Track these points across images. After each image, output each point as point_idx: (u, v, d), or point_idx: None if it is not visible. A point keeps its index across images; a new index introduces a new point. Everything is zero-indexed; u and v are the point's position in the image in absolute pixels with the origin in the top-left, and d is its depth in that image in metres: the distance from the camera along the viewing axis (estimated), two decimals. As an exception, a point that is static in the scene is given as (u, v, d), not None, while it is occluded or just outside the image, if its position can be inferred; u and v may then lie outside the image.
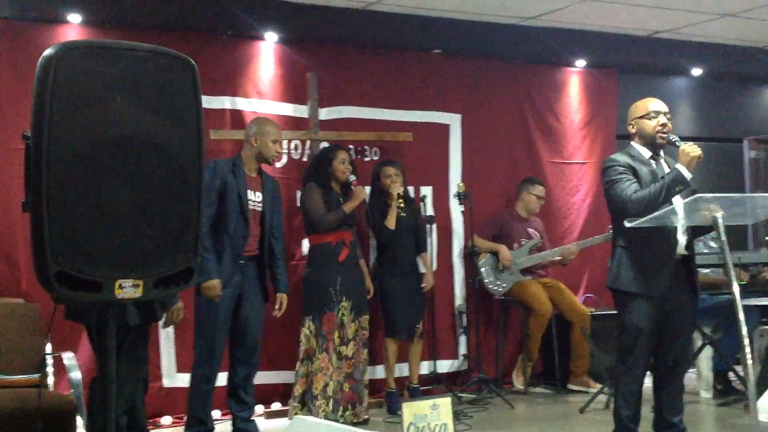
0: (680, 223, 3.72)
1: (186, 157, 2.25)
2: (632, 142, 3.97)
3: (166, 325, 3.80)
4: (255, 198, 4.53)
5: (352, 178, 5.19)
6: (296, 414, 4.87)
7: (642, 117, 3.89)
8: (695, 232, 3.89)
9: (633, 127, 3.95)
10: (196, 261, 2.29)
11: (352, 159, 5.33)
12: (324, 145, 5.88)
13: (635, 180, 3.77)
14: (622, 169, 3.80)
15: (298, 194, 5.73)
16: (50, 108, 2.06)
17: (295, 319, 5.72)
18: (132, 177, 2.17)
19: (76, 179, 2.10)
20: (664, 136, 3.85)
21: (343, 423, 4.69)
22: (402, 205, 5.61)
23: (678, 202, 3.68)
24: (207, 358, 4.37)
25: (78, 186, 2.10)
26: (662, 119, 3.87)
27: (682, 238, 3.82)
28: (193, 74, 2.30)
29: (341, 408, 4.98)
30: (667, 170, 3.83)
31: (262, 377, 5.50)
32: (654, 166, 3.89)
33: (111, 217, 2.14)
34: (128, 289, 2.17)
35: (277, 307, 4.69)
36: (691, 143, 3.73)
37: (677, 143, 3.78)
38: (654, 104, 3.92)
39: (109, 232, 2.14)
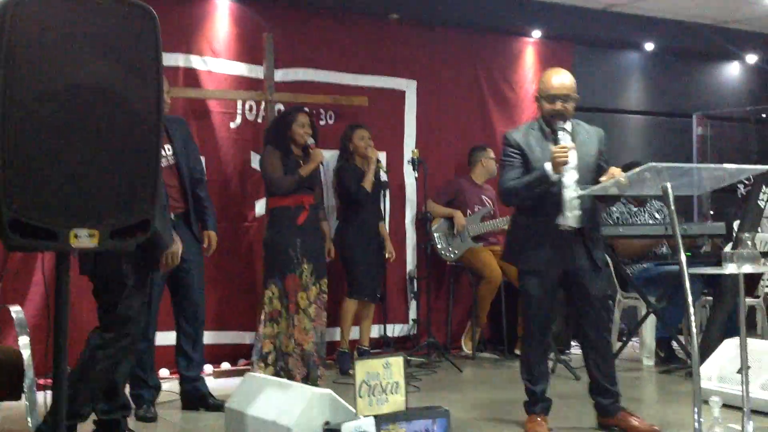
0: (568, 195, 3.76)
1: (145, 108, 2.23)
2: (539, 116, 3.99)
3: (163, 269, 3.69)
4: (164, 152, 4.27)
5: (310, 141, 5.15)
6: (262, 372, 4.86)
7: (543, 97, 3.89)
8: (600, 201, 4.00)
9: (538, 101, 3.96)
10: (153, 213, 2.27)
11: (312, 122, 5.28)
12: (279, 107, 5.85)
13: (518, 166, 3.83)
14: (510, 150, 3.88)
15: (253, 155, 5.70)
16: (7, 56, 2.02)
17: (249, 281, 5.74)
18: (89, 127, 2.14)
19: (32, 128, 2.07)
20: (556, 123, 3.84)
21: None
22: (382, 169, 5.65)
23: (570, 175, 3.76)
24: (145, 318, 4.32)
25: (34, 134, 2.07)
26: (558, 105, 3.84)
27: (571, 212, 3.78)
28: (154, 24, 2.28)
29: (307, 367, 4.98)
30: (568, 142, 3.79)
31: (212, 337, 5.51)
32: (551, 143, 3.80)
33: (67, 166, 2.12)
34: (83, 239, 2.15)
35: (205, 245, 4.56)
36: (563, 146, 3.70)
37: (560, 137, 3.77)
38: (556, 86, 3.86)
39: (64, 181, 2.12)
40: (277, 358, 4.96)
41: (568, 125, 3.86)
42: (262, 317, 5.03)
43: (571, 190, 3.76)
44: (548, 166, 3.70)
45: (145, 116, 2.23)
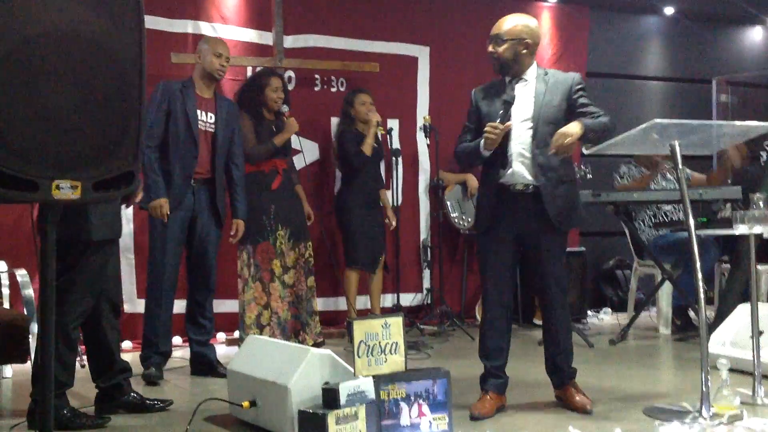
0: (513, 150, 3.51)
1: (126, 57, 2.19)
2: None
3: (126, 205, 3.75)
4: (206, 119, 4.41)
5: (285, 108, 5.01)
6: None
7: (489, 43, 3.65)
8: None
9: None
10: (137, 165, 2.24)
11: (285, 86, 5.15)
12: (290, 74, 5.80)
13: (472, 127, 3.63)
14: (469, 110, 3.69)
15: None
16: (-16, 2, 1.99)
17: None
18: (69, 75, 2.11)
19: (10, 76, 2.04)
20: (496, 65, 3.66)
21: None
22: (383, 132, 5.58)
23: (517, 130, 3.51)
24: (157, 281, 4.33)
25: (13, 83, 2.04)
26: (489, 47, 3.66)
27: (518, 168, 3.51)
28: (135, -28, 2.22)
29: (287, 337, 4.97)
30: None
31: (224, 306, 5.51)
32: (513, 92, 3.56)
33: (48, 116, 2.09)
34: (66, 190, 2.12)
35: (232, 233, 4.61)
36: (495, 125, 3.45)
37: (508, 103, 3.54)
38: (494, 28, 3.65)
39: (46, 131, 2.09)
40: (241, 328, 4.93)
41: (530, 74, 3.59)
42: (240, 284, 4.99)
43: (516, 144, 3.51)
44: (482, 142, 3.48)
45: (126, 67, 2.19)
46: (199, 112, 4.38)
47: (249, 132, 4.90)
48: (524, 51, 3.59)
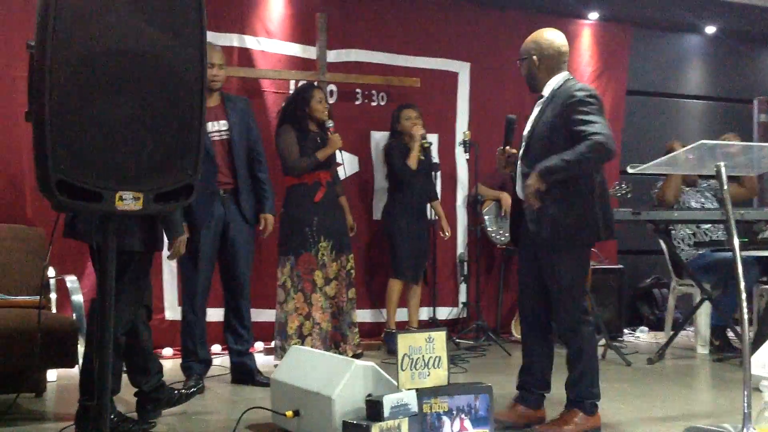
0: (518, 169, 3.57)
1: (188, 73, 2.25)
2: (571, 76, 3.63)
3: (170, 257, 3.77)
4: (218, 127, 4.39)
5: (330, 124, 5.05)
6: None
7: (523, 59, 3.62)
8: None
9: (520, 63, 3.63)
10: (197, 178, 2.30)
11: (326, 98, 5.22)
12: (332, 88, 5.88)
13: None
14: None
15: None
16: (54, 18, 2.07)
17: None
18: (133, 90, 2.18)
19: (78, 89, 2.11)
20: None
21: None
22: (427, 146, 5.64)
23: (523, 146, 3.58)
24: (191, 292, 4.37)
25: (80, 96, 2.11)
26: (522, 69, 3.66)
27: (521, 185, 3.54)
28: (198, -10, 2.29)
29: (327, 348, 5.01)
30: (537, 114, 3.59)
31: (264, 315, 5.58)
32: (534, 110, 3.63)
33: (113, 128, 2.16)
34: (128, 201, 2.19)
35: (261, 227, 4.60)
36: (505, 150, 3.64)
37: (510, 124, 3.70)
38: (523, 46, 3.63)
39: (111, 143, 2.16)
40: (282, 337, 4.98)
41: (548, 89, 3.55)
42: (280, 295, 5.04)
43: (520, 161, 3.56)
44: None
45: (188, 81, 2.25)
46: (210, 124, 4.34)
47: (293, 145, 4.96)
48: (535, 66, 3.58)
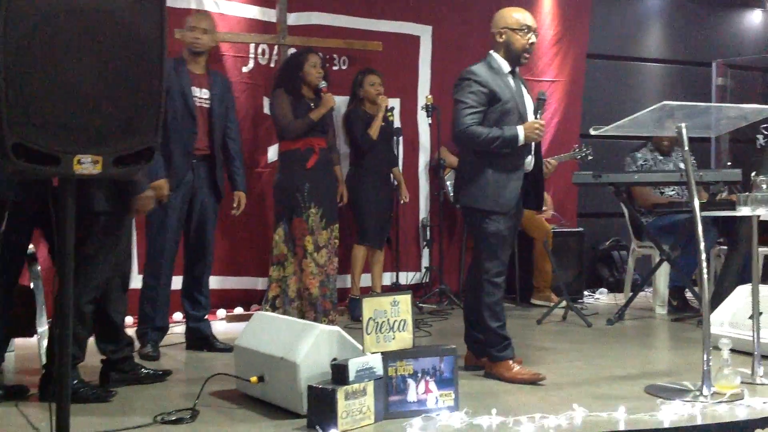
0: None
1: (148, 33, 2.20)
2: (493, 52, 3.85)
3: (133, 214, 3.61)
4: (201, 95, 4.42)
5: (323, 84, 5.06)
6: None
7: (514, 30, 3.76)
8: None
9: (501, 37, 3.80)
10: (157, 141, 2.26)
11: (324, 63, 5.20)
12: (291, 51, 5.79)
13: (482, 107, 3.70)
14: (479, 89, 3.70)
15: (265, 101, 5.66)
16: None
17: (262, 227, 5.74)
18: (91, 51, 2.12)
19: (33, 51, 2.05)
20: (527, 57, 3.81)
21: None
22: (391, 119, 5.61)
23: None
24: (157, 257, 4.34)
25: (36, 57, 2.06)
26: (532, 38, 3.79)
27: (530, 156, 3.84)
28: (156, -53, 2.22)
29: (314, 314, 5.00)
30: (519, 88, 3.81)
31: (226, 283, 5.55)
32: (511, 80, 3.79)
33: (71, 90, 2.10)
34: (87, 165, 2.14)
35: (234, 205, 4.64)
36: (543, 123, 3.74)
37: (542, 100, 3.82)
38: (527, 18, 3.79)
39: (68, 105, 2.10)
40: (284, 302, 4.97)
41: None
42: (272, 259, 5.04)
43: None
44: (521, 133, 3.65)
45: (147, 41, 2.20)
46: (193, 88, 4.39)
47: (286, 108, 4.94)
48: (500, 41, 3.83)
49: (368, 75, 5.63)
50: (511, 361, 3.74)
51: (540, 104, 3.81)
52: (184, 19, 5.31)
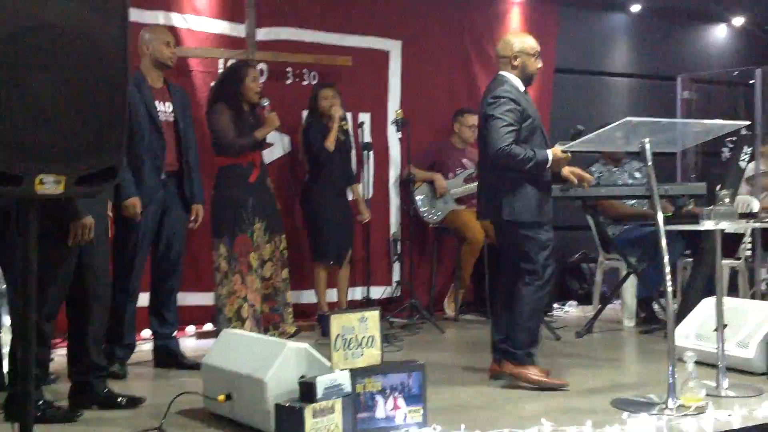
0: None
1: (111, 50, 2.19)
2: (508, 74, 4.06)
3: (72, 243, 3.34)
4: (165, 108, 4.40)
5: (265, 102, 5.03)
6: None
7: (530, 55, 4.06)
8: None
9: (515, 60, 4.04)
10: (120, 159, 2.24)
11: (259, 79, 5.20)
12: (261, 66, 5.80)
13: (517, 126, 3.89)
14: (512, 106, 3.89)
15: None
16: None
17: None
18: (55, 69, 2.11)
19: (-3, 66, 2.03)
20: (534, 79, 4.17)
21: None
22: (345, 128, 5.59)
23: None
24: (126, 275, 4.29)
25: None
26: (540, 62, 4.12)
27: None
28: (120, -36, 2.22)
29: (263, 329, 4.99)
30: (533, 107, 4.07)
31: (194, 298, 5.51)
32: (528, 99, 4.07)
33: (33, 108, 2.09)
34: (49, 185, 2.12)
35: (192, 218, 4.57)
36: (568, 156, 3.95)
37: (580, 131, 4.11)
38: (537, 44, 4.12)
39: (30, 123, 2.08)
40: (220, 321, 4.91)
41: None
42: (217, 277, 4.98)
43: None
44: (550, 157, 3.87)
45: (111, 57, 2.18)
46: (156, 103, 4.35)
47: (228, 124, 4.89)
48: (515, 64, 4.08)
49: (322, 89, 5.63)
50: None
51: (576, 136, 4.07)
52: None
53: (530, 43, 4.10)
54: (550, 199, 4.05)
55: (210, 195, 4.98)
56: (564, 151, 3.89)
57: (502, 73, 4.07)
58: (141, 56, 4.46)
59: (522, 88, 4.04)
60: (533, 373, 3.90)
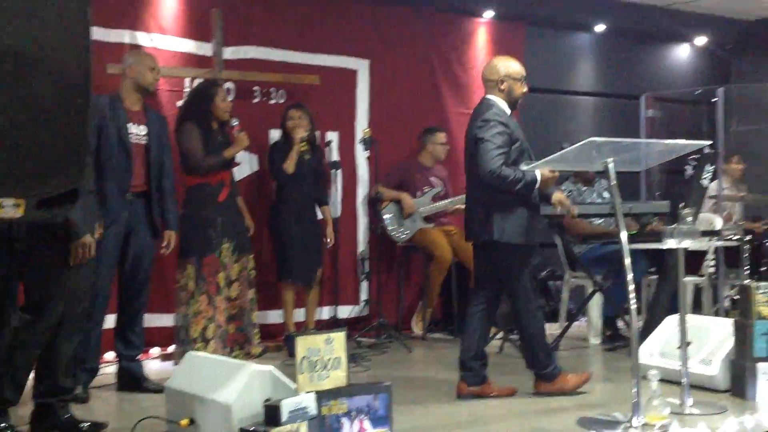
0: None
1: (72, 72, 2.16)
2: (495, 98, 4.15)
3: (74, 263, 3.40)
4: (138, 131, 4.38)
5: (235, 122, 5.05)
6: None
7: (516, 79, 4.16)
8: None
9: (502, 84, 4.14)
10: (82, 182, 2.22)
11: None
12: (229, 85, 5.78)
13: (506, 149, 3.98)
14: (502, 129, 3.99)
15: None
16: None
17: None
18: (13, 91, 2.08)
19: (-49, 92, 2.00)
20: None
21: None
22: (305, 149, 5.58)
23: None
24: (90, 297, 4.24)
25: (-46, 99, 2.00)
26: (526, 87, 4.22)
27: None
28: (82, -15, 2.20)
29: (228, 349, 4.95)
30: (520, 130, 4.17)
31: (160, 320, 5.45)
32: (515, 122, 4.18)
33: (-9, 132, 2.05)
34: (8, 209, 2.09)
35: (164, 244, 4.56)
36: (556, 174, 4.07)
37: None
38: (523, 69, 4.23)
39: (-12, 147, 2.05)
40: (185, 341, 4.88)
41: None
42: (181, 298, 4.94)
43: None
44: (539, 177, 3.95)
45: (73, 81, 2.16)
46: (130, 125, 4.34)
47: (197, 143, 4.88)
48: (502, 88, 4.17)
49: (290, 110, 5.63)
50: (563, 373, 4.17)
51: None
52: (119, 54, 5.31)
53: (516, 67, 4.20)
54: (539, 221, 4.18)
55: (180, 214, 4.96)
56: (551, 171, 3.97)
57: (489, 96, 4.17)
58: (122, 78, 4.44)
59: (508, 111, 4.14)
60: (568, 382, 4.15)
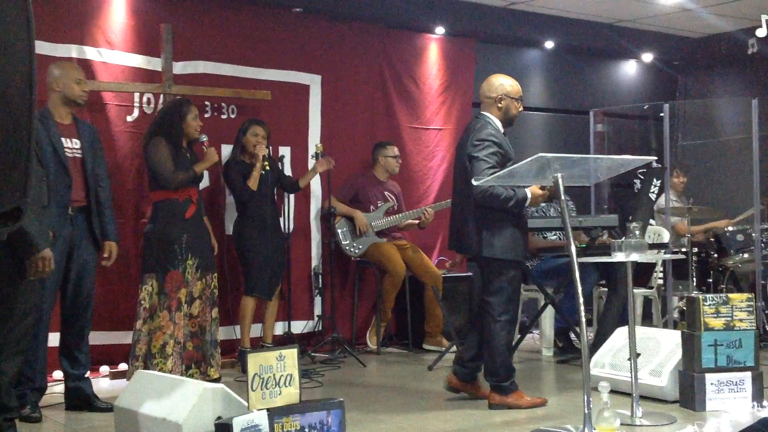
0: None
1: (14, 86, 2.11)
2: (491, 116, 4.25)
3: (32, 277, 3.31)
4: (72, 145, 4.32)
5: (204, 138, 5.08)
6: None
7: (513, 98, 4.27)
8: None
9: (500, 102, 4.24)
10: (26, 201, 2.17)
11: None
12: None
13: (498, 168, 4.01)
14: (495, 149, 4.07)
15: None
16: None
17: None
18: (-48, 107, 2.03)
19: None
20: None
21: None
22: (267, 169, 5.57)
23: None
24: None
25: None
26: (521, 106, 4.35)
27: None
28: None
29: (184, 366, 4.89)
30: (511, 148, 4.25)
31: (107, 337, 5.36)
32: (507, 141, 4.25)
33: (-72, 149, 2.00)
34: (-53, 228, 2.03)
35: (105, 255, 4.49)
36: (546, 192, 4.14)
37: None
38: (520, 88, 4.34)
39: (-75, 165, 2.00)
40: (147, 357, 4.81)
41: None
42: (140, 313, 4.88)
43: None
44: (529, 195, 4.04)
45: (13, 96, 2.11)
46: (63, 139, 4.27)
47: (167, 159, 4.87)
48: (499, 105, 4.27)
49: (254, 125, 5.60)
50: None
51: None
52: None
53: (515, 87, 4.29)
54: (526, 238, 4.27)
55: (145, 229, 5.02)
56: (542, 187, 4.04)
57: (485, 114, 4.26)
58: (49, 91, 4.35)
59: (502, 129, 4.24)
60: (522, 398, 4.19)
